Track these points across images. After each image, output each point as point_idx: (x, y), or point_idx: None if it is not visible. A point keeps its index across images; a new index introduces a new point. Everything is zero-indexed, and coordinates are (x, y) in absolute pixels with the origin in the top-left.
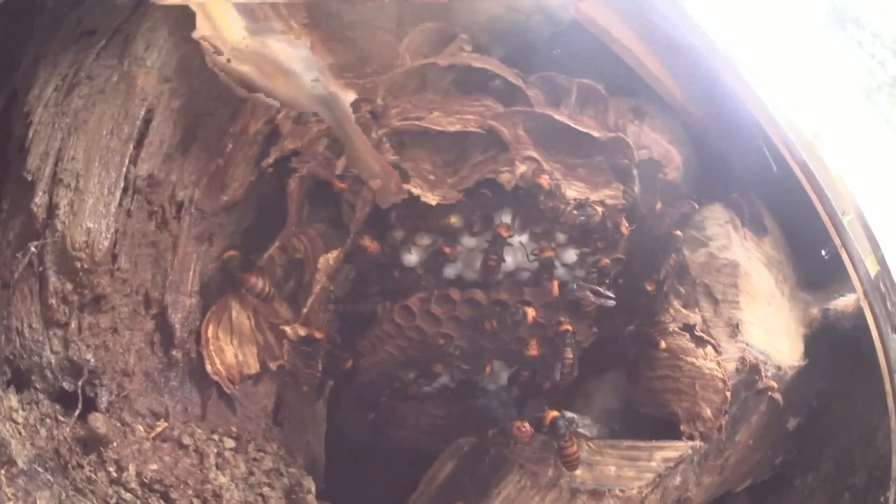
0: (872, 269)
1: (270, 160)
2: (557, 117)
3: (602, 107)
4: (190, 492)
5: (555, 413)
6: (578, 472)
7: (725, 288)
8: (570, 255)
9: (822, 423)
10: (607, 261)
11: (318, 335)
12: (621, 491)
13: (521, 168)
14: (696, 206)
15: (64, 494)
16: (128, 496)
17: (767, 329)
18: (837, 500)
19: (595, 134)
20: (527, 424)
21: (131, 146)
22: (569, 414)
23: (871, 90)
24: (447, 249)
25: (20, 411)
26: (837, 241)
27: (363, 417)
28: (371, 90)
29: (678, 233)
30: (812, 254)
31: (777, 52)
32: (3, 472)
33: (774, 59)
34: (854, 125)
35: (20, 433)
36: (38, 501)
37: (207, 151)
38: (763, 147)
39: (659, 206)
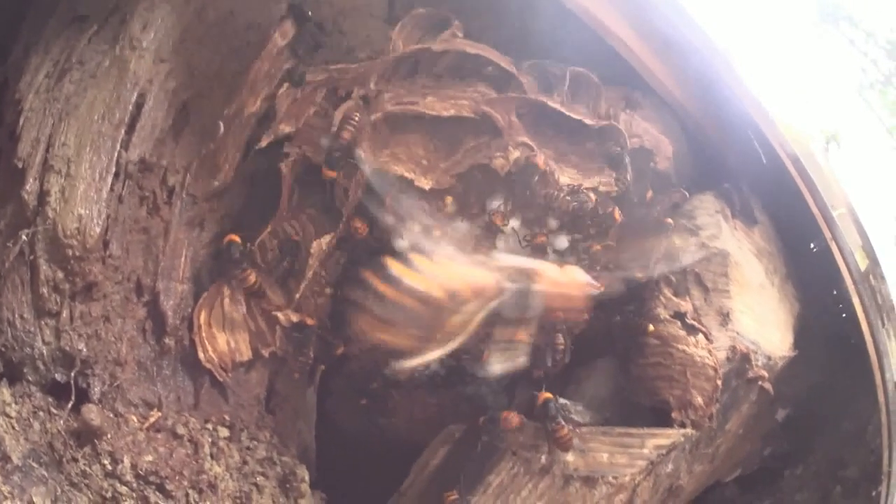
0: (862, 262)
1: (263, 144)
2: (551, 104)
3: (594, 95)
4: (185, 483)
5: (547, 395)
6: (571, 458)
7: (716, 277)
8: (562, 242)
9: (812, 416)
10: (599, 247)
11: (309, 322)
12: (614, 478)
13: (515, 154)
14: (687, 195)
15: (59, 490)
16: (123, 489)
17: (758, 319)
18: (828, 493)
19: (587, 121)
20: (514, 414)
21: (123, 131)
22: (562, 400)
23: (863, 88)
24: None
25: (13, 405)
26: (828, 235)
27: (354, 405)
28: (364, 75)
29: (669, 220)
30: (803, 247)
31: (770, 49)
32: None
33: (768, 55)
34: (846, 122)
35: (14, 428)
36: (33, 498)
37: (199, 135)
38: (754, 141)
39: (650, 194)
